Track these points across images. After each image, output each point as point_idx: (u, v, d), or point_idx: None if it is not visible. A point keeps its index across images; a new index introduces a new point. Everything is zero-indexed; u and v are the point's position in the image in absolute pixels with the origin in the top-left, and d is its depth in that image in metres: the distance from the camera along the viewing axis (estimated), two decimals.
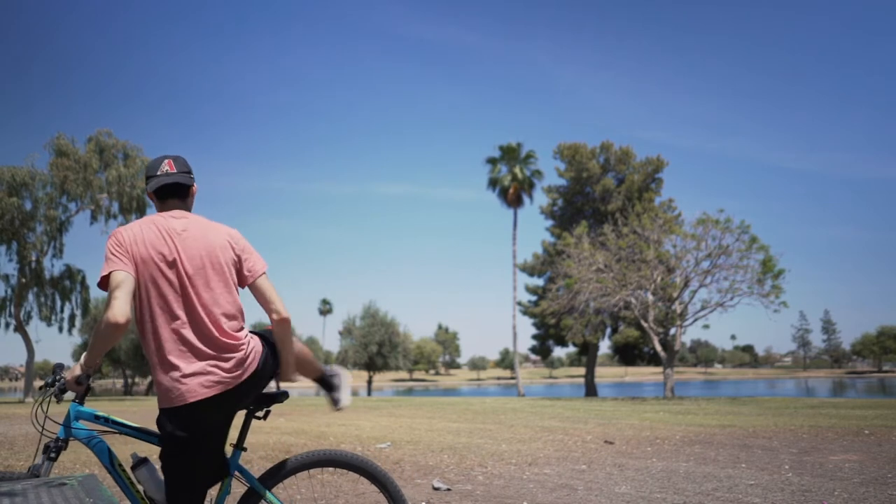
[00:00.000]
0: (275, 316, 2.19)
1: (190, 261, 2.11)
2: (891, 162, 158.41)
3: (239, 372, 2.07)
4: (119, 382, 76.60)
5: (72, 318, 28.80)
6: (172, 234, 2.12)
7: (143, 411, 15.53)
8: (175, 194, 2.25)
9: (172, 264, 2.08)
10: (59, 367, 2.30)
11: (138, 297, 2.07)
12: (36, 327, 29.05)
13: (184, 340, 2.03)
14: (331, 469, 2.37)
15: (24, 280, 27.10)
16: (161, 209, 2.24)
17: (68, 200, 27.04)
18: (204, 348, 2.04)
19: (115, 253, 2.06)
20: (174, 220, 2.17)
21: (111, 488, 4.93)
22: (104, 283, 2.04)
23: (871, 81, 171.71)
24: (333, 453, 2.36)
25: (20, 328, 27.30)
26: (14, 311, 27.27)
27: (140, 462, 2.20)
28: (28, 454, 6.98)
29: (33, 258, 27.00)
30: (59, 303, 28.35)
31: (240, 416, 2.29)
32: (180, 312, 2.06)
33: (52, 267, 28.17)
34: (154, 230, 2.12)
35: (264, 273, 2.24)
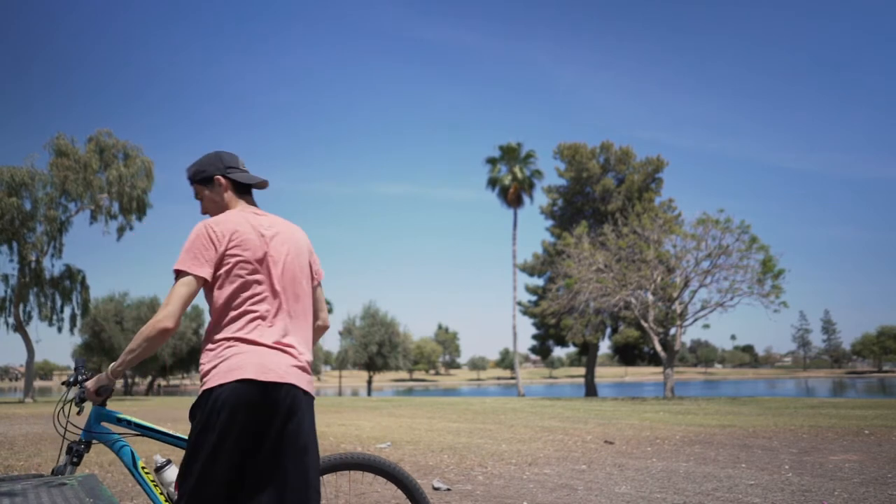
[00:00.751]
0: (321, 323, 2.32)
1: (282, 265, 2.04)
2: (891, 162, 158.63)
3: (295, 372, 1.94)
4: (119, 382, 76.60)
5: (72, 318, 28.80)
6: (265, 234, 2.05)
7: (144, 411, 15.54)
8: (251, 191, 2.22)
9: (266, 269, 2.01)
10: (81, 363, 2.25)
11: (222, 291, 1.95)
12: (36, 327, 29.09)
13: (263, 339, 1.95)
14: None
15: (24, 280, 27.09)
16: (232, 203, 2.15)
17: (68, 200, 27.02)
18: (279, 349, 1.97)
19: (199, 249, 1.95)
20: (260, 217, 2.11)
21: (112, 489, 4.94)
22: (177, 274, 1.95)
23: (871, 81, 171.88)
24: (359, 456, 2.30)
25: (20, 328, 27.30)
26: (14, 312, 27.28)
27: (165, 464, 2.19)
28: (28, 454, 6.98)
29: (33, 258, 26.99)
30: (59, 303, 28.35)
31: None
32: (270, 313, 1.97)
33: (52, 267, 28.20)
34: (250, 228, 2.03)
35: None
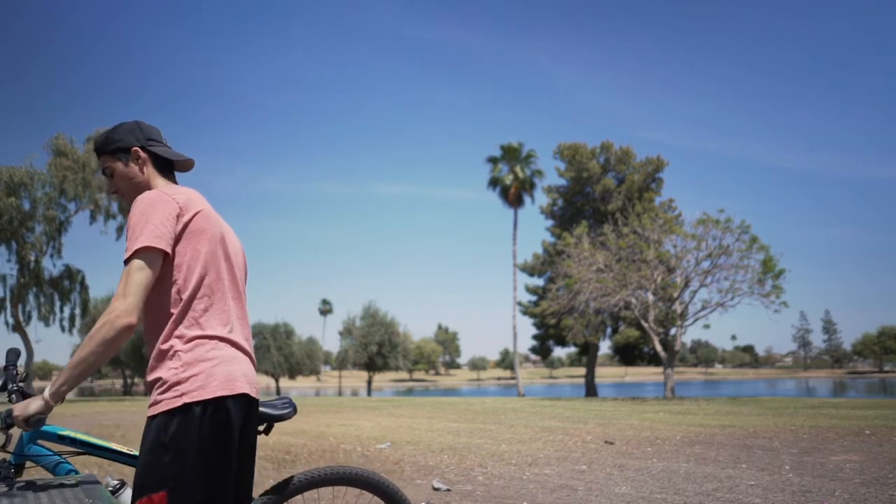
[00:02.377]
0: None
1: (236, 256, 1.79)
2: (891, 162, 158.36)
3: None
4: (118, 383, 76.65)
5: (71, 318, 28.82)
6: (219, 217, 1.80)
7: (143, 412, 15.52)
8: (174, 171, 1.88)
9: (227, 256, 1.74)
10: (14, 356, 1.90)
11: (186, 275, 1.63)
12: (35, 327, 29.08)
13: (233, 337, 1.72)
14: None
15: (23, 280, 27.10)
16: (154, 181, 1.79)
17: (67, 200, 27.03)
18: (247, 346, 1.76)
19: (162, 221, 1.60)
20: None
21: None
22: (136, 255, 1.57)
23: (871, 81, 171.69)
24: (346, 470, 2.19)
25: (19, 328, 27.31)
26: (13, 312, 27.29)
27: (119, 487, 1.92)
28: None
29: (32, 258, 26.99)
30: (58, 303, 28.37)
31: None
32: (232, 309, 1.72)
33: (52, 267, 28.23)
34: (208, 204, 1.75)
35: None
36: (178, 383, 1.55)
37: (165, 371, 1.57)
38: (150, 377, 1.60)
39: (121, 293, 1.54)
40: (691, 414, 13.18)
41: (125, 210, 27.45)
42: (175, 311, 1.61)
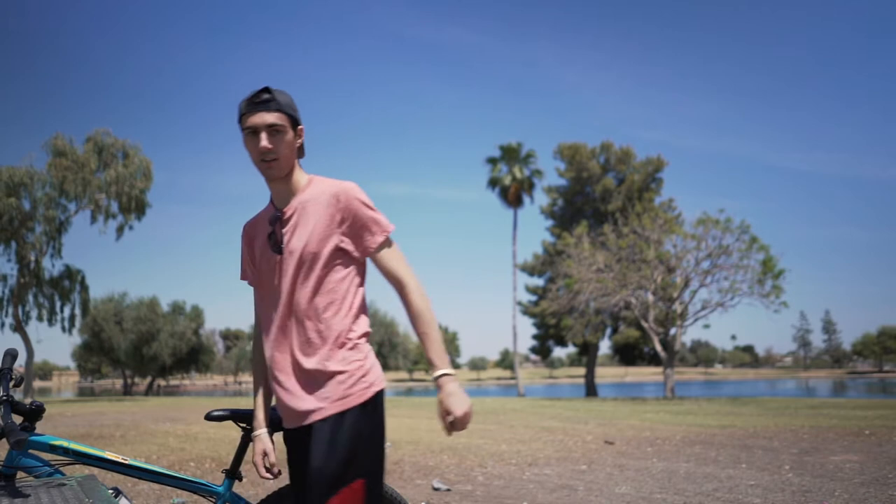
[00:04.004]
0: None
1: None
2: (891, 162, 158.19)
3: None
4: (118, 383, 76.64)
5: (71, 318, 28.79)
6: None
7: (143, 412, 15.51)
8: None
9: None
10: (11, 359, 1.79)
11: (361, 279, 1.77)
12: (36, 327, 29.06)
13: None
14: None
15: (23, 280, 27.10)
16: (296, 163, 1.81)
17: (67, 200, 27.00)
18: None
19: None
20: None
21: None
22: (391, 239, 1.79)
23: (871, 81, 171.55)
24: None
25: (19, 328, 27.30)
26: (14, 312, 27.28)
27: (116, 495, 1.84)
28: None
29: (32, 258, 26.98)
30: (58, 303, 28.35)
31: (234, 440, 1.98)
32: None
33: (52, 267, 28.20)
34: None
35: None
36: (365, 375, 1.64)
37: (348, 363, 1.64)
38: (329, 367, 1.63)
39: (409, 272, 1.73)
40: (691, 414, 13.18)
41: (125, 210, 27.37)
42: (356, 306, 1.69)
